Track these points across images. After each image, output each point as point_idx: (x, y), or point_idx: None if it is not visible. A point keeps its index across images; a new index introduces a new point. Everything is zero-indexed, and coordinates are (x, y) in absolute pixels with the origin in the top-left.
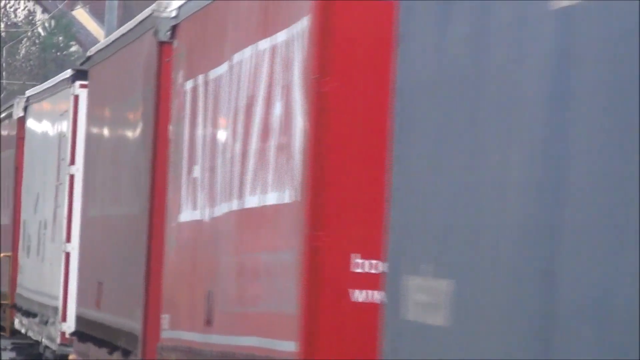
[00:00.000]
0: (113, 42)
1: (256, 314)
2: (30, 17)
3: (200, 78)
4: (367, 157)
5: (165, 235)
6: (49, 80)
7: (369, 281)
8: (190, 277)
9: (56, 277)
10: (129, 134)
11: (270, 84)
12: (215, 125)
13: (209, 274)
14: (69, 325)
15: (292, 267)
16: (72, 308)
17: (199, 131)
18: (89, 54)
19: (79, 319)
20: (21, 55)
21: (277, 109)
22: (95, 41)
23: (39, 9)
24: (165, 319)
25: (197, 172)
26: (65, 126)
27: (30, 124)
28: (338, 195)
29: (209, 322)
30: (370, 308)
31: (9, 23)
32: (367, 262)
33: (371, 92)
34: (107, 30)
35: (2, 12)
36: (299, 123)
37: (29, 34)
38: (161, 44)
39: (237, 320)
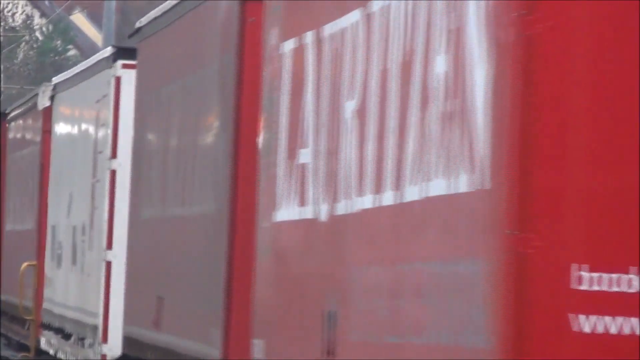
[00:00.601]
0: (172, 7)
1: (419, 346)
2: (28, 22)
3: (309, 36)
4: (598, 129)
5: (255, 238)
6: (82, 63)
7: (601, 303)
8: (295, 293)
9: (95, 290)
10: (201, 115)
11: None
12: (335, 96)
13: (329, 290)
14: (111, 348)
15: (478, 283)
16: (115, 327)
17: (308, 105)
18: (138, 25)
19: (128, 341)
20: (19, 59)
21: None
22: (93, 45)
23: (36, 13)
24: (258, 346)
25: (305, 157)
26: (103, 114)
27: (59, 114)
28: (554, 183)
29: (330, 352)
30: (604, 342)
31: (6, 27)
32: (596, 276)
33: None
34: (105, 34)
35: (0, 17)
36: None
37: (27, 38)
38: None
39: (383, 354)
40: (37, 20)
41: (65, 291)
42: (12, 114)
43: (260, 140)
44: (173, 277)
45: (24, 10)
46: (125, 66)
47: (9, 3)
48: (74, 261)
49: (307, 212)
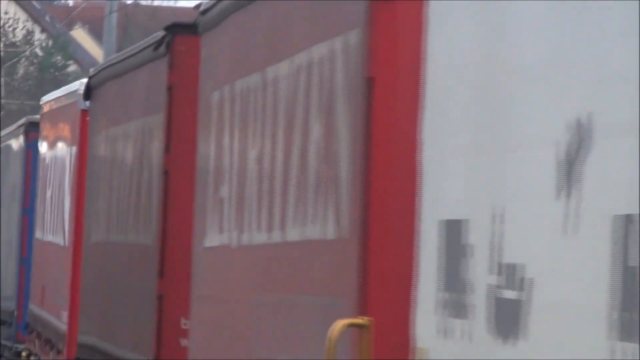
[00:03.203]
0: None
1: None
2: (29, 37)
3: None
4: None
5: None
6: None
7: None
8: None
9: None
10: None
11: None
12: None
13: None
14: None
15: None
16: None
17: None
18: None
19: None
20: (19, 75)
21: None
22: (93, 61)
23: (37, 29)
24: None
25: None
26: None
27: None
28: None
29: None
30: None
31: (7, 43)
32: None
33: None
34: (105, 50)
35: (0, 32)
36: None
37: (27, 53)
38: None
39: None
40: (38, 35)
41: None
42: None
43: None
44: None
45: (25, 26)
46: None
47: (9, 18)
48: None
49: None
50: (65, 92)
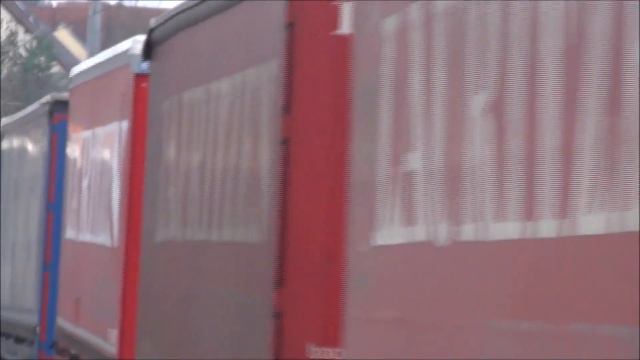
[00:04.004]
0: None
1: None
2: (12, 38)
3: None
4: None
5: None
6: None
7: None
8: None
9: None
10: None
11: None
12: None
13: None
14: None
15: None
16: None
17: None
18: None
19: None
20: (3, 75)
21: None
22: (77, 62)
23: (21, 30)
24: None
25: None
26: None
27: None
28: None
29: None
30: None
31: None
32: None
33: None
34: (89, 51)
35: None
36: None
37: (11, 54)
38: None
39: None
40: (22, 36)
41: None
42: None
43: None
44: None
45: (8, 27)
46: None
47: None
48: None
49: None
50: (109, 56)
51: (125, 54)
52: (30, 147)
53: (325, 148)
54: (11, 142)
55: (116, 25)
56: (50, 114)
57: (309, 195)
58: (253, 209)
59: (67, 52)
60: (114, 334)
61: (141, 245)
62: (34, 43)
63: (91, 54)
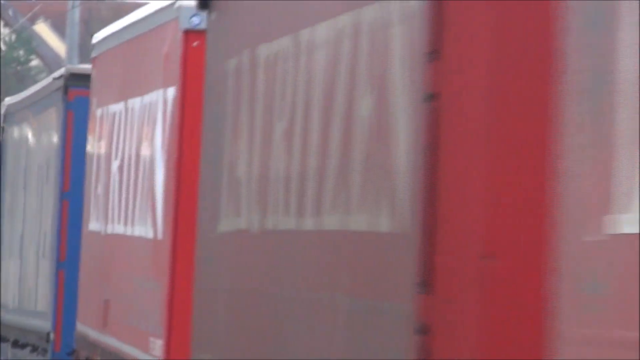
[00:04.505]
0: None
1: None
2: None
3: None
4: None
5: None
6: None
7: None
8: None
9: None
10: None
11: None
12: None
13: None
14: None
15: None
16: None
17: None
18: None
19: None
20: None
21: None
22: (56, 56)
23: (0, 23)
24: None
25: None
26: None
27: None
28: None
29: None
30: None
31: None
32: None
33: None
34: (69, 45)
35: None
36: None
37: None
38: None
39: None
40: (1, 29)
41: None
42: None
43: None
44: None
45: None
46: None
47: None
48: None
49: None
50: (150, 11)
51: (171, 7)
52: (40, 128)
53: (487, 107)
54: (18, 124)
55: (95, 20)
56: (65, 89)
57: (466, 169)
58: (381, 190)
59: (47, 46)
60: (158, 344)
61: (197, 237)
62: (13, 36)
63: (70, 48)
